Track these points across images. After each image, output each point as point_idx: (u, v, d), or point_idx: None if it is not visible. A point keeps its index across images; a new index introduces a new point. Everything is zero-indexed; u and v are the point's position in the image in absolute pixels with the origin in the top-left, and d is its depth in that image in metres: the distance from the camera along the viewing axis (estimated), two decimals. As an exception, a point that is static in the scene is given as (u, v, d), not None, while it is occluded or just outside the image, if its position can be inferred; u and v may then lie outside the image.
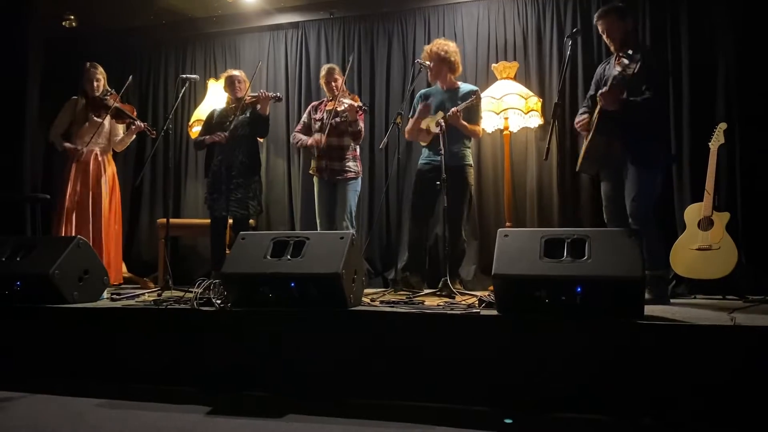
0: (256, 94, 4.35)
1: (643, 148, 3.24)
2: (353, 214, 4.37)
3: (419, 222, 4.19)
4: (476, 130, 4.13)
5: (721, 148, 3.99)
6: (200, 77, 5.39)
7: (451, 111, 3.89)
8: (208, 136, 4.38)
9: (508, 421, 2.06)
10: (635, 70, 3.21)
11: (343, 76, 4.49)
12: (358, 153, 4.47)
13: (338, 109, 4.30)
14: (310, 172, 4.50)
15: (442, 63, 4.10)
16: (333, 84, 4.41)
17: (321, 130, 4.31)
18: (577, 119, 3.58)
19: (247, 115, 4.38)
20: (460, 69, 4.23)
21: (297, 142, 4.51)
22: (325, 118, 4.32)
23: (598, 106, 3.27)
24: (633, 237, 2.51)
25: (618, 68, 3.26)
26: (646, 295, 3.07)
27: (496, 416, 2.23)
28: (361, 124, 4.34)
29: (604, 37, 3.49)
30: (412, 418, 2.23)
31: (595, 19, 3.51)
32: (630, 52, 3.26)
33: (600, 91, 3.28)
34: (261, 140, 4.85)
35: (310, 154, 4.50)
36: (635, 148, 3.25)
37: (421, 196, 4.16)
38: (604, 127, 3.28)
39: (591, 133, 3.33)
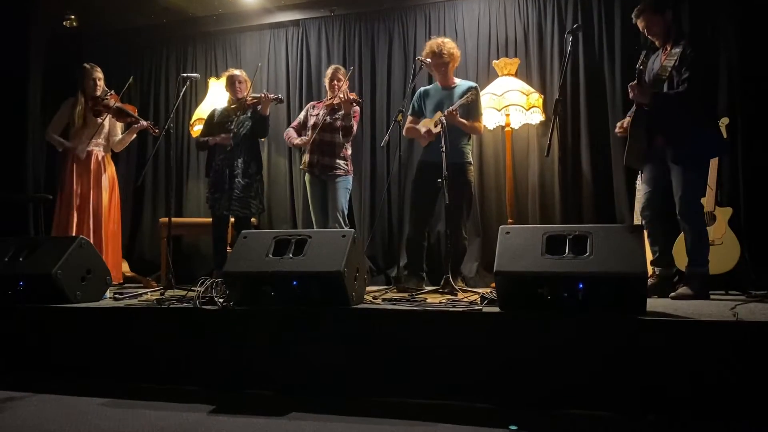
0: (258, 95, 4.36)
1: (686, 146, 3.17)
2: (345, 213, 4.37)
3: (418, 221, 4.17)
4: (476, 127, 4.10)
5: (724, 144, 3.98)
6: (201, 76, 5.40)
7: (446, 111, 3.86)
8: (211, 138, 4.38)
9: (513, 427, 2.06)
10: (676, 63, 3.19)
11: (347, 78, 4.46)
12: (349, 153, 4.48)
13: (334, 103, 4.31)
14: (301, 167, 4.54)
15: (439, 60, 4.05)
16: (335, 83, 4.42)
17: (315, 126, 4.34)
18: (618, 123, 3.56)
19: (249, 115, 4.39)
20: (456, 63, 4.18)
21: (288, 139, 4.60)
22: (320, 114, 4.34)
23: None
24: (635, 233, 2.51)
25: (663, 62, 3.25)
26: (688, 291, 3.10)
27: (499, 413, 2.23)
28: (354, 122, 4.34)
29: (646, 34, 3.42)
30: (415, 415, 2.23)
31: (633, 19, 3.45)
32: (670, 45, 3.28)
33: (630, 84, 3.25)
34: (262, 140, 4.85)
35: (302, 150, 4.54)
36: (677, 146, 3.19)
37: (420, 194, 4.14)
38: (641, 119, 3.26)
39: (629, 127, 3.32)
